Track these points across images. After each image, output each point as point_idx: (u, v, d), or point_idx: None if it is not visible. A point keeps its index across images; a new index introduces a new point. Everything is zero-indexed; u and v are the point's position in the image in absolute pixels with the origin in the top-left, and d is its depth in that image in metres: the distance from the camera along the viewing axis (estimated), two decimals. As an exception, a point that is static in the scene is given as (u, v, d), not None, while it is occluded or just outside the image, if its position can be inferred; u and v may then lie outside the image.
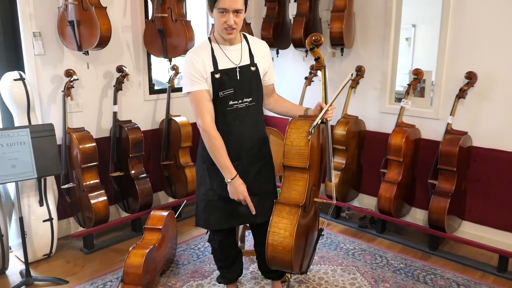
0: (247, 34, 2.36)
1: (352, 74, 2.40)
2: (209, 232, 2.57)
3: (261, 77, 2.34)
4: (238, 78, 2.24)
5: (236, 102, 2.25)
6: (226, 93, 2.22)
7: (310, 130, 2.18)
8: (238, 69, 2.24)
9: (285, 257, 2.17)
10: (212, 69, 2.20)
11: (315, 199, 2.42)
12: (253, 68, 2.28)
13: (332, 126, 4.03)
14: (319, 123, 2.21)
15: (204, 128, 2.20)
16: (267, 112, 2.50)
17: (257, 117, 2.34)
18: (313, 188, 2.33)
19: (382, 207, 3.72)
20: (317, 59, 2.39)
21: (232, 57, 2.25)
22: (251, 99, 2.28)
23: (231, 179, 2.23)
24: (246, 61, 2.28)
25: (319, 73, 4.16)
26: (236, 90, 2.24)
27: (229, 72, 2.23)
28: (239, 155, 2.29)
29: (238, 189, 2.24)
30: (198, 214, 2.48)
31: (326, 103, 2.33)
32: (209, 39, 2.28)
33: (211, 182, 2.36)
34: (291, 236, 2.16)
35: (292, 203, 2.23)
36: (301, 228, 2.24)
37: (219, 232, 2.47)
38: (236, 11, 2.10)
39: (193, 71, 2.19)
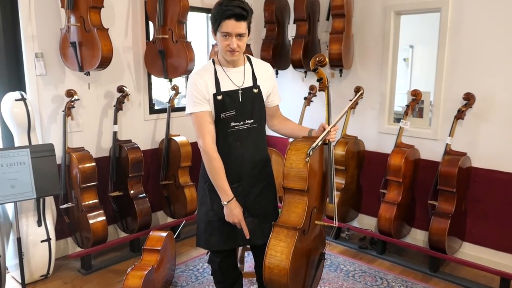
0: (251, 56, 2.38)
1: (361, 93, 2.40)
2: (209, 253, 2.55)
3: (264, 98, 2.35)
4: (240, 100, 2.25)
5: (238, 123, 2.26)
6: (227, 114, 2.23)
7: (308, 152, 2.17)
8: (240, 91, 2.26)
9: (281, 280, 2.14)
10: (214, 91, 2.22)
11: (317, 222, 2.37)
12: (255, 90, 2.29)
13: (331, 146, 4.05)
14: (319, 144, 2.21)
15: (205, 149, 2.21)
16: (268, 132, 2.49)
17: (259, 139, 2.34)
18: (313, 210, 2.31)
19: (382, 228, 3.71)
20: (319, 80, 2.38)
21: (235, 79, 2.27)
22: (252, 120, 2.29)
23: (227, 202, 2.22)
24: (248, 83, 2.29)
25: (318, 93, 4.22)
26: (238, 112, 2.25)
27: (231, 94, 2.24)
28: (239, 176, 2.29)
29: (233, 211, 2.23)
30: (198, 234, 2.46)
31: (329, 124, 2.32)
32: (213, 61, 2.30)
33: (212, 202, 2.35)
34: (287, 259, 2.14)
35: (290, 226, 2.21)
36: (299, 251, 2.21)
37: (219, 253, 2.45)
38: (239, 35, 2.13)
39: (196, 92, 2.21)
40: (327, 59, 2.34)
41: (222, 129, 2.25)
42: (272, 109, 2.44)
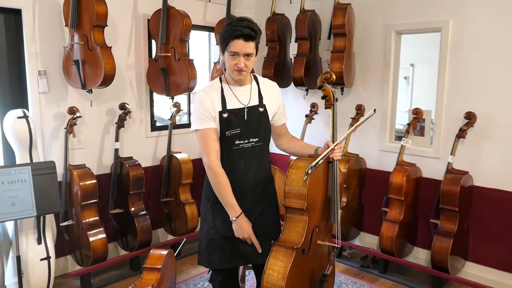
0: (257, 75, 2.40)
1: (374, 110, 2.29)
2: (210, 272, 2.53)
3: (270, 117, 2.35)
4: (246, 118, 2.26)
5: (242, 142, 2.26)
6: (232, 132, 2.24)
7: (306, 170, 2.15)
8: (246, 110, 2.27)
9: None
10: (220, 109, 2.24)
11: (319, 242, 2.32)
12: (261, 109, 2.30)
13: (333, 164, 4.04)
14: (319, 163, 2.18)
15: (210, 166, 2.21)
16: (271, 149, 2.48)
17: (263, 157, 2.34)
18: (315, 230, 2.29)
19: (384, 247, 3.68)
20: (324, 97, 2.35)
21: (241, 97, 2.28)
22: (257, 139, 2.29)
23: (236, 217, 2.21)
24: (255, 101, 2.30)
25: (320, 111, 4.23)
26: (243, 130, 2.25)
27: (237, 112, 2.25)
28: (242, 194, 2.28)
29: (242, 227, 2.22)
30: (200, 252, 2.45)
31: (334, 141, 2.29)
32: (220, 79, 2.33)
33: (214, 220, 2.34)
34: (283, 279, 2.11)
35: (288, 245, 2.19)
36: (297, 271, 2.18)
37: (221, 272, 2.43)
38: (247, 55, 2.15)
39: (202, 109, 2.23)
40: (333, 77, 2.31)
41: (227, 146, 2.25)
42: (279, 128, 2.44)
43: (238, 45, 2.11)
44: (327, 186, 2.31)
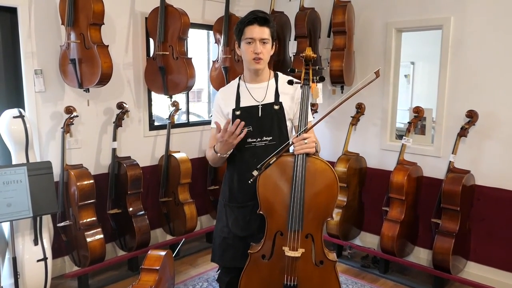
0: (279, 73, 2.33)
1: (376, 73, 2.04)
2: (219, 271, 2.50)
3: (290, 117, 2.27)
4: (260, 115, 2.22)
5: (255, 140, 2.22)
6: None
7: (252, 172, 2.07)
8: (260, 107, 2.23)
9: None
10: (234, 106, 2.24)
11: (284, 249, 2.05)
12: (276, 107, 2.23)
13: (333, 163, 4.01)
14: (271, 162, 2.05)
15: (206, 155, 2.35)
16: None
17: None
18: (278, 235, 2.09)
19: (385, 247, 3.64)
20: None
21: (256, 94, 2.24)
22: (271, 138, 2.23)
23: (218, 152, 2.18)
24: (270, 99, 2.24)
25: (319, 109, 4.18)
26: (255, 128, 2.21)
27: (250, 109, 2.22)
28: (254, 195, 2.23)
29: (221, 143, 2.13)
30: (214, 249, 2.44)
31: (298, 130, 2.11)
32: (240, 77, 2.33)
33: (227, 219, 2.33)
34: (241, 281, 2.16)
35: (250, 249, 2.17)
36: (256, 277, 2.14)
37: (230, 271, 2.40)
38: (263, 41, 2.14)
39: (215, 108, 2.32)
40: (308, 53, 2.08)
41: (239, 144, 2.20)
42: None
43: (254, 30, 2.12)
44: (292, 187, 2.04)
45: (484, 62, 3.40)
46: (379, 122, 4.07)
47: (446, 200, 3.35)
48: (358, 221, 4.21)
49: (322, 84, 4.36)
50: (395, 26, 3.87)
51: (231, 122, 2.13)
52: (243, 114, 2.21)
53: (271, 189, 2.08)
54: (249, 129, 2.20)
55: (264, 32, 2.13)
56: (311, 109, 4.21)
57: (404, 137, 3.69)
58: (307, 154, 2.04)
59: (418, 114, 3.70)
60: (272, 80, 2.28)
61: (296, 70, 2.18)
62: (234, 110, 2.23)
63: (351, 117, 4.07)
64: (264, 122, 2.22)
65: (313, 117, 2.51)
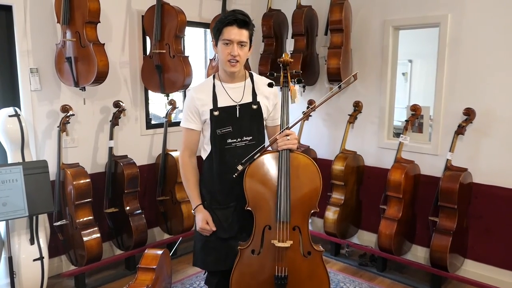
0: (253, 73, 2.34)
1: (354, 76, 2.13)
2: (206, 273, 2.49)
3: (266, 116, 2.29)
4: (238, 116, 2.21)
5: (235, 140, 2.21)
6: (223, 130, 2.20)
7: (236, 167, 2.10)
8: (238, 107, 2.21)
9: None
10: (211, 107, 2.20)
11: (273, 242, 2.10)
12: (254, 107, 2.24)
13: (330, 162, 4.00)
14: (254, 157, 2.11)
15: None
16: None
17: None
18: (266, 229, 2.14)
19: (383, 245, 3.64)
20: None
21: (233, 94, 2.23)
22: (251, 137, 2.23)
23: (194, 210, 2.29)
24: (248, 99, 2.24)
25: (318, 109, 4.17)
26: (235, 128, 2.21)
27: (228, 110, 2.21)
28: (236, 195, 2.23)
29: (197, 218, 2.27)
30: (195, 253, 2.40)
31: (281, 128, 2.16)
32: (214, 76, 2.28)
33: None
34: (232, 279, 2.19)
35: (239, 245, 2.20)
36: (247, 272, 2.18)
37: (217, 274, 2.39)
38: (241, 44, 2.11)
39: (188, 109, 2.24)
40: (285, 58, 2.17)
41: (219, 145, 2.21)
42: (275, 129, 2.35)
43: (232, 32, 2.09)
44: (279, 181, 2.10)
45: (481, 60, 3.39)
46: (377, 120, 4.06)
47: (444, 198, 3.34)
48: (356, 219, 4.20)
49: (319, 82, 4.38)
50: (393, 24, 3.86)
51: (210, 125, 2.21)
52: (222, 114, 2.19)
53: (258, 184, 2.14)
54: (229, 130, 2.20)
55: (242, 34, 2.10)
56: (309, 107, 4.23)
57: (401, 135, 3.69)
58: (290, 150, 2.12)
59: (415, 112, 3.69)
60: (248, 80, 2.28)
61: (275, 74, 2.25)
62: (212, 111, 2.19)
63: (349, 115, 4.07)
64: (243, 122, 2.22)
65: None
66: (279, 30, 4.34)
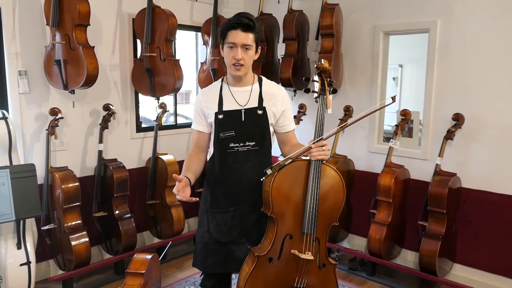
0: (263, 78, 2.31)
1: (393, 98, 2.13)
2: (202, 276, 2.47)
3: (273, 122, 2.25)
4: (243, 120, 2.19)
5: (237, 145, 2.19)
6: (226, 134, 2.18)
7: (265, 170, 2.05)
8: (243, 111, 2.19)
9: None
10: (216, 110, 2.19)
11: (294, 252, 2.10)
12: (260, 112, 2.20)
13: (320, 166, 4.00)
14: (286, 164, 2.05)
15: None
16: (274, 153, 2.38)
17: (261, 162, 2.21)
18: (287, 238, 2.11)
19: (372, 249, 3.65)
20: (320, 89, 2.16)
21: (239, 98, 2.21)
22: (254, 143, 2.20)
23: None
24: (253, 103, 2.21)
25: (308, 112, 4.18)
26: (238, 132, 2.18)
27: (233, 114, 2.19)
28: (237, 200, 2.22)
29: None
30: (196, 254, 2.40)
31: (317, 137, 2.12)
32: (222, 79, 2.28)
33: (208, 224, 2.29)
34: (242, 285, 2.12)
35: (255, 251, 2.13)
36: (262, 280, 2.11)
37: (213, 277, 2.38)
38: (245, 47, 2.09)
39: (196, 110, 2.29)
40: (325, 65, 2.13)
41: (221, 149, 2.20)
42: (284, 136, 2.31)
43: (236, 35, 2.07)
44: (306, 191, 2.08)
45: (470, 66, 3.43)
46: (367, 125, 4.08)
47: (433, 202, 3.36)
48: (346, 224, 4.21)
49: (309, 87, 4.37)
50: (383, 29, 3.89)
51: (214, 128, 2.19)
52: (226, 118, 2.18)
53: (285, 192, 2.09)
54: (232, 134, 2.18)
55: (247, 38, 2.08)
56: (300, 112, 4.23)
57: (391, 140, 3.70)
58: (321, 161, 2.08)
59: (405, 117, 3.71)
60: (256, 84, 2.25)
61: (311, 79, 2.18)
62: (216, 114, 2.19)
63: (339, 119, 4.08)
64: (247, 127, 2.19)
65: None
66: (271, 34, 4.34)
